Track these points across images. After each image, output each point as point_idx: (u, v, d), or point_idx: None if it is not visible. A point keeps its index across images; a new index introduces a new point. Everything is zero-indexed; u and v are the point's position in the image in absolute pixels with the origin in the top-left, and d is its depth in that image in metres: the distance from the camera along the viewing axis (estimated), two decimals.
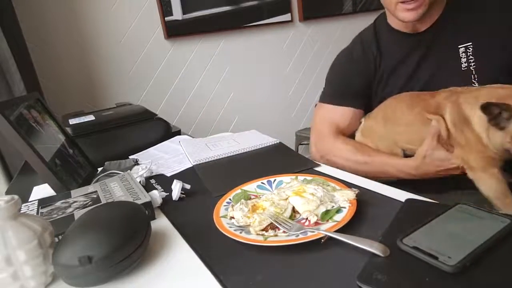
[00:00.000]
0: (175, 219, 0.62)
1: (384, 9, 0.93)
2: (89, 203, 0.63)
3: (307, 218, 0.53)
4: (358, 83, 0.97)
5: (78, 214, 0.59)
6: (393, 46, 0.93)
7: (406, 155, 0.86)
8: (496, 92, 0.73)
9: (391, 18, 0.93)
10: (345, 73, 1.00)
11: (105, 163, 0.92)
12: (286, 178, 0.68)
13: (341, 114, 0.97)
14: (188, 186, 0.70)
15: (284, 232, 0.51)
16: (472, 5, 0.88)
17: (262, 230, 0.52)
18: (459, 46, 0.85)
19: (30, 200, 0.77)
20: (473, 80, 0.85)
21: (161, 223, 0.61)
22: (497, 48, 0.83)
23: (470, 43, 0.84)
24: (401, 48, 0.92)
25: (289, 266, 0.45)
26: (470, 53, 0.85)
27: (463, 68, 0.85)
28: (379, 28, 0.97)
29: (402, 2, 0.81)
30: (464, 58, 0.85)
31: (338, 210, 0.54)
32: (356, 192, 0.57)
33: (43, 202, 0.66)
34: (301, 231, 0.50)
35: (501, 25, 0.84)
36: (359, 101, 0.97)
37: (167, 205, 0.67)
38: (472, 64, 0.84)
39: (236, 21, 2.24)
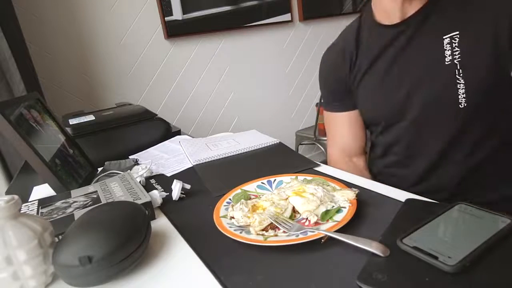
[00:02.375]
0: (175, 219, 0.62)
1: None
2: (89, 203, 0.63)
3: (307, 218, 0.54)
4: (338, 88, 0.91)
5: (78, 214, 0.59)
6: (371, 41, 0.84)
7: None
8: None
9: (376, 8, 0.82)
10: (326, 78, 0.94)
11: (105, 163, 0.92)
12: (286, 178, 0.68)
13: (339, 120, 0.94)
14: (188, 186, 0.70)
15: (284, 232, 0.51)
16: None
17: (262, 230, 0.52)
18: (444, 37, 0.73)
19: (30, 200, 0.77)
20: (457, 76, 0.72)
21: (161, 223, 0.61)
22: (487, 41, 0.69)
23: (457, 33, 0.72)
24: (379, 42, 0.81)
25: (289, 266, 0.45)
26: (456, 44, 0.72)
27: (447, 62, 0.73)
28: (363, 23, 0.87)
29: None
30: (448, 50, 0.73)
31: (338, 210, 0.54)
32: (356, 192, 0.57)
33: (43, 202, 0.66)
34: (301, 231, 0.50)
35: (497, 13, 0.69)
36: (348, 103, 0.91)
37: (167, 205, 0.67)
38: (457, 57, 0.72)
39: (236, 21, 2.24)
